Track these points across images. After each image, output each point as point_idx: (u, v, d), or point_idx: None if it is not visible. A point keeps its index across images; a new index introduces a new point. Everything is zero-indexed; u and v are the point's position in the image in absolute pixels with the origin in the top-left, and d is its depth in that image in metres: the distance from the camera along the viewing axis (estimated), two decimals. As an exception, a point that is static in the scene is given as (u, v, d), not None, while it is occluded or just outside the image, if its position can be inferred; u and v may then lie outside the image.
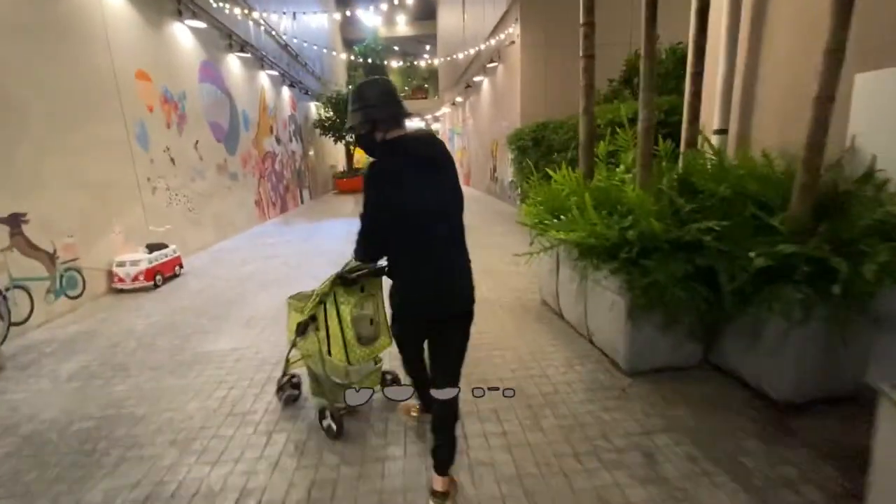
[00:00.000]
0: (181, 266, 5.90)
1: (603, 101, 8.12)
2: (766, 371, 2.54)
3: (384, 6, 11.15)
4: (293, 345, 2.43)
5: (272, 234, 9.02)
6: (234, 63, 9.42)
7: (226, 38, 8.96)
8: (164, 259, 5.55)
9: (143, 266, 5.18)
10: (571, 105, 9.53)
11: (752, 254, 2.32)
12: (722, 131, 3.59)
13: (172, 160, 6.77)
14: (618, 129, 3.84)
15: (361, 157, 25.18)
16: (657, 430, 2.34)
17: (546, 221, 3.60)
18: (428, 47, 32.85)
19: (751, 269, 2.32)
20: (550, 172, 3.88)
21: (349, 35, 27.70)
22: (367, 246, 1.99)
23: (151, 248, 5.51)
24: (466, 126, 18.72)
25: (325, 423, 2.41)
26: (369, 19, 28.20)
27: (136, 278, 5.14)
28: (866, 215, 2.27)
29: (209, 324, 4.12)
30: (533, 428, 2.39)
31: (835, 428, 2.28)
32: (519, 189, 10.21)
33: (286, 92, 13.40)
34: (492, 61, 12.29)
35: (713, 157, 3.07)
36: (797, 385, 2.47)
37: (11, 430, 2.56)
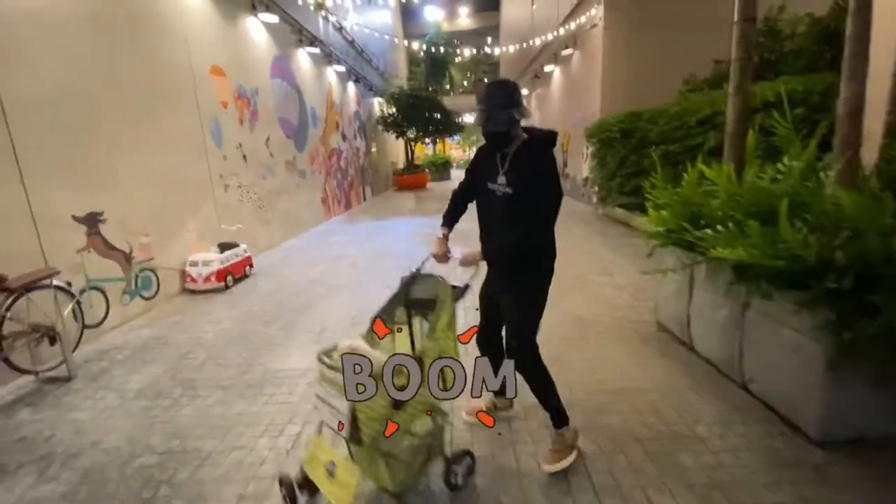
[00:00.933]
0: (251, 266, 5.72)
1: (706, 87, 7.07)
2: None
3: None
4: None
5: (338, 232, 8.82)
6: (303, 58, 9.30)
7: (297, 32, 8.83)
8: (236, 259, 5.38)
9: (215, 267, 5.01)
10: (661, 93, 8.49)
11: None
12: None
13: (245, 157, 6.65)
14: (774, 114, 2.99)
15: (421, 154, 25.06)
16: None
17: (685, 231, 2.86)
18: (490, 39, 32.01)
19: None
20: (702, 168, 3.08)
21: (411, 31, 27.55)
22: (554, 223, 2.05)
23: (223, 247, 5.35)
24: (532, 119, 17.82)
25: None
26: (431, 13, 27.92)
27: (207, 279, 4.98)
28: None
29: (280, 335, 3.78)
30: (707, 526, 1.73)
31: None
32: (597, 186, 9.31)
33: (352, 88, 13.29)
34: (566, 48, 11.38)
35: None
36: None
37: (72, 461, 2.28)
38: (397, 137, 18.29)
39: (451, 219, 2.29)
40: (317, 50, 9.75)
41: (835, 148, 2.23)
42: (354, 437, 1.49)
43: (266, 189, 7.31)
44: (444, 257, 2.16)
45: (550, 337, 3.45)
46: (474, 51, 16.28)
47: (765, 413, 2.38)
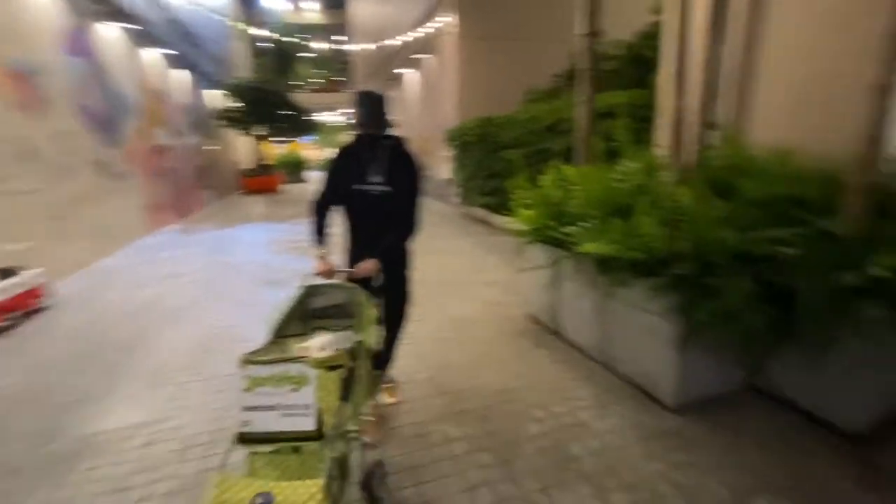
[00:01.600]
0: (39, 297, 4.36)
1: (545, 98, 7.88)
2: (832, 399, 2.22)
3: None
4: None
5: (172, 245, 7.43)
6: (111, 35, 7.58)
7: (99, 1, 7.13)
8: (15, 292, 4.02)
9: (-13, 300, 3.67)
10: (512, 100, 9.23)
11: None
12: (709, 126, 3.32)
13: (25, 154, 5.08)
14: (614, 122, 3.38)
15: (271, 154, 23.03)
16: (747, 490, 1.88)
17: (551, 229, 3.04)
18: (340, 37, 31.09)
19: (839, 288, 1.95)
20: (564, 169, 3.28)
21: (252, 20, 25.06)
22: None
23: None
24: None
25: None
26: (274, 2, 25.87)
27: (-29, 319, 3.62)
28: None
29: (97, 385, 2.91)
30: (606, 513, 1.79)
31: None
32: (458, 187, 9.68)
33: (180, 75, 11.40)
34: (422, 52, 11.60)
35: (735, 155, 2.73)
36: (869, 413, 2.18)
37: None
38: (242, 134, 16.42)
39: (322, 235, 2.24)
40: (129, 24, 8.05)
41: (667, 151, 2.58)
42: (317, 432, 1.40)
43: (62, 195, 5.72)
44: (330, 274, 2.10)
45: (434, 342, 3.37)
46: (326, 46, 15.52)
47: (631, 390, 2.65)
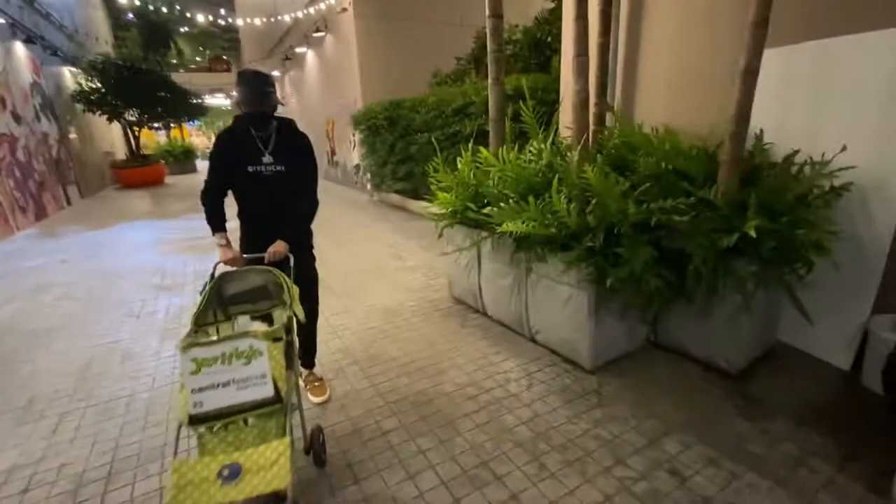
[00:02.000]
0: None
1: (450, 81, 7.94)
2: (717, 345, 2.57)
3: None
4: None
5: (31, 253, 6.24)
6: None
7: None
8: None
9: None
10: (416, 83, 9.14)
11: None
12: (606, 107, 3.60)
13: None
14: (521, 105, 3.49)
15: (151, 142, 20.36)
16: (658, 435, 2.11)
17: (470, 210, 3.08)
18: (223, 11, 28.10)
19: (720, 249, 2.25)
20: (482, 151, 3.29)
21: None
22: None
23: None
24: (289, 104, 16.68)
25: None
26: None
27: None
28: (793, 188, 2.40)
29: (-60, 430, 2.37)
30: (543, 475, 1.90)
31: (782, 386, 2.43)
32: (369, 174, 9.43)
33: (21, 50, 9.45)
34: (317, 31, 10.93)
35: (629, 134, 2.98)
36: (746, 353, 2.57)
37: None
38: (110, 120, 14.21)
39: (221, 221, 2.16)
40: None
41: (571, 132, 2.73)
42: (275, 397, 1.50)
43: None
44: (237, 261, 2.07)
45: (361, 332, 3.27)
46: (208, 17, 13.91)
47: (551, 358, 2.82)
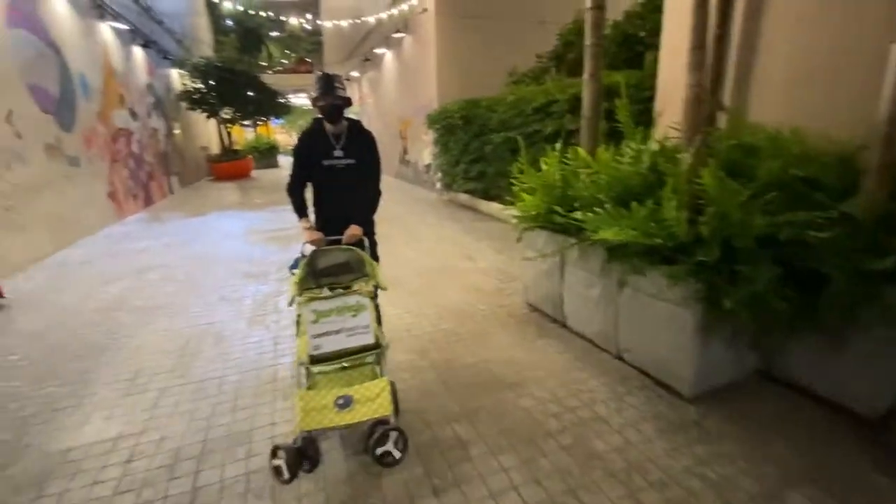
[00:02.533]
0: (-1, 295, 3.98)
1: (527, 80, 7.71)
2: (851, 384, 2.19)
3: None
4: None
5: (140, 235, 6.96)
6: (60, 6, 6.91)
7: (43, -33, 6.46)
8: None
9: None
10: (492, 82, 9.01)
11: None
12: (719, 105, 3.23)
13: (-33, 137, 4.57)
14: (615, 102, 3.23)
15: (240, 138, 22.06)
16: (778, 484, 1.82)
17: (556, 214, 2.90)
18: (309, 16, 29.76)
19: (868, 272, 1.89)
20: (579, 151, 3.12)
21: (213, -6, 23.61)
22: None
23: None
24: (365, 104, 17.27)
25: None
26: (237, -23, 24.39)
27: (-88, 325, 3.23)
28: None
29: (64, 394, 2.63)
30: (640, 515, 1.70)
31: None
32: (440, 172, 9.46)
33: (139, 53, 10.62)
34: (397, 31, 11.16)
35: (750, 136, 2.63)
36: (889, 397, 2.16)
37: None
38: (208, 117, 15.57)
39: (305, 209, 2.48)
40: (80, -4, 7.36)
41: (680, 131, 2.46)
42: (376, 343, 1.93)
43: (14, 183, 5.22)
44: (320, 241, 2.30)
45: (435, 334, 3.21)
46: (298, 21, 14.74)
47: (642, 379, 2.57)
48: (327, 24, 17.80)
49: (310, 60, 30.80)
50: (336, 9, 19.44)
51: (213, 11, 22.08)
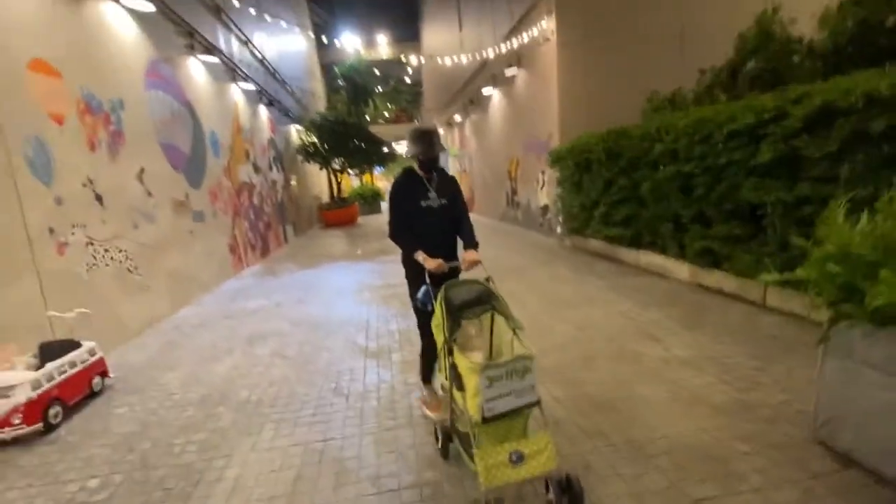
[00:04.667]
0: (104, 375, 3.50)
1: (692, 102, 6.30)
2: None
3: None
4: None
5: (253, 292, 6.64)
6: (197, 69, 7.22)
7: (186, 35, 6.78)
8: (71, 371, 3.16)
9: (22, 396, 2.78)
10: (620, 111, 7.69)
11: None
12: None
13: (99, 198, 4.44)
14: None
15: (346, 186, 23.10)
16: None
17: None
18: (410, 70, 31.38)
19: None
20: None
21: (327, 59, 25.91)
22: None
23: (46, 351, 3.13)
24: (467, 147, 16.87)
25: None
26: (348, 41, 26.58)
27: (5, 422, 2.74)
28: None
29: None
30: None
31: None
32: (562, 215, 8.20)
33: (264, 112, 11.22)
34: (509, 67, 10.47)
35: None
36: None
37: None
38: (321, 168, 16.28)
39: (415, 243, 2.50)
40: (215, 59, 7.71)
41: None
42: (537, 400, 1.88)
43: (141, 242, 5.07)
44: (442, 266, 2.39)
45: (652, 479, 1.86)
46: (405, 78, 15.07)
47: None
48: (425, 66, 18.03)
49: (407, 110, 32.08)
50: (438, 57, 19.82)
51: (328, 73, 24.05)
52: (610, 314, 4.33)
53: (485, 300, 2.20)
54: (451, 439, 2.23)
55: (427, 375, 2.81)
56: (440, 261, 2.38)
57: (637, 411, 2.61)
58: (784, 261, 3.61)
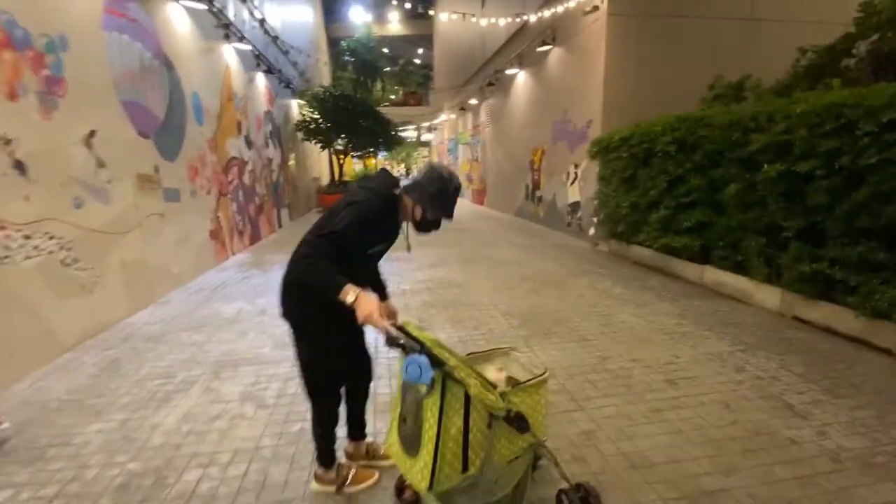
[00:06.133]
0: (-5, 423, 2.38)
1: (783, 89, 5.16)
2: None
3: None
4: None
5: (234, 290, 5.50)
6: (179, 16, 5.98)
7: (164, -27, 5.53)
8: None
9: None
10: (675, 97, 6.53)
11: None
12: None
13: (19, 164, 3.27)
14: None
15: (348, 169, 21.83)
16: None
17: None
18: (420, 50, 29.88)
19: None
20: None
21: (335, 33, 24.42)
22: None
23: None
24: (482, 133, 15.62)
25: None
26: (357, 14, 25.07)
27: None
28: None
29: None
30: None
31: None
32: (597, 217, 7.08)
33: (261, 80, 9.95)
34: (543, 43, 9.22)
35: None
36: None
37: None
38: (322, 148, 15.01)
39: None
40: (203, 6, 6.45)
41: None
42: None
43: (86, 227, 3.91)
44: (383, 321, 1.76)
45: None
46: (415, 60, 13.75)
47: None
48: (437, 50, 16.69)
49: (417, 92, 30.62)
50: (452, 37, 18.40)
51: (334, 47, 22.59)
52: (703, 360, 3.23)
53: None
54: None
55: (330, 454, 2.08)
56: (382, 304, 1.97)
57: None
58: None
